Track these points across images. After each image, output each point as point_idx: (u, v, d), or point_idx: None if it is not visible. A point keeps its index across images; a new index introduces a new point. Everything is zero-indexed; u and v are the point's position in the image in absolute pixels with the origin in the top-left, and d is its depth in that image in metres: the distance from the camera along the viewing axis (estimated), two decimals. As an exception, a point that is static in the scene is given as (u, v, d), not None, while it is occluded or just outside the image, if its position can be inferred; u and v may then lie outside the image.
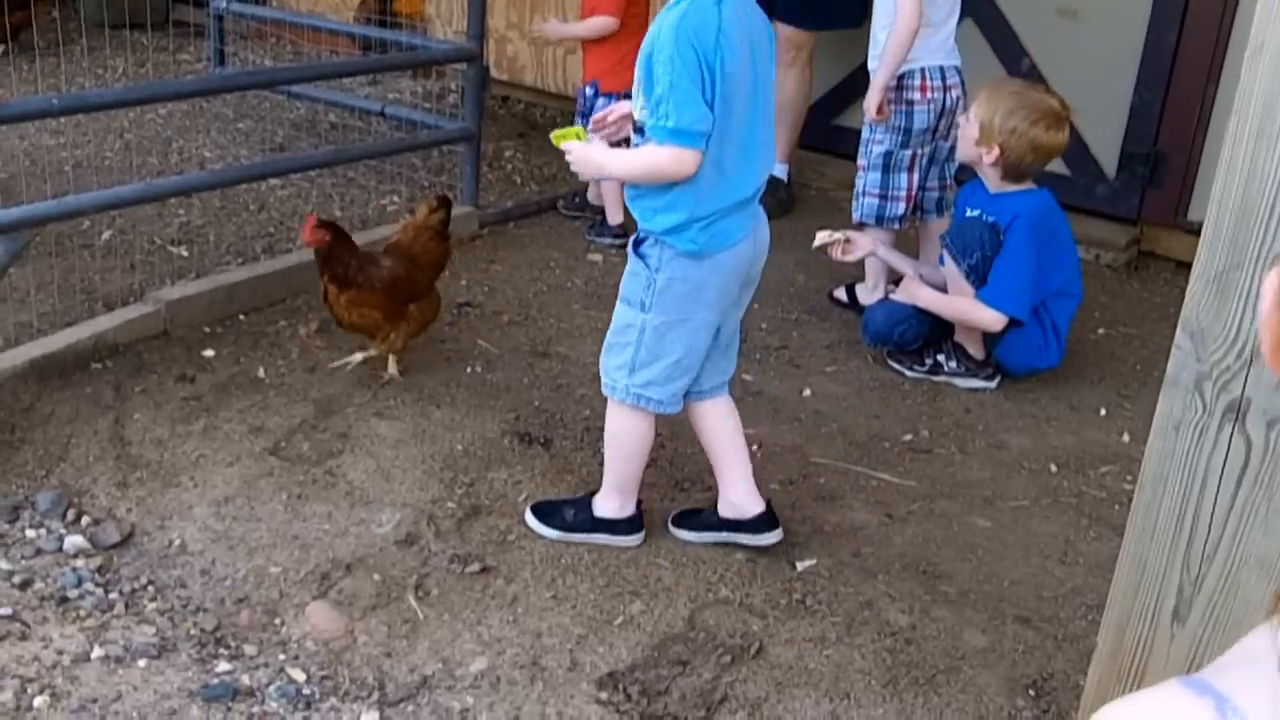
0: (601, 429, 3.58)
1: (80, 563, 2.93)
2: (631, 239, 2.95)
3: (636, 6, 5.04)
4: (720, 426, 3.12)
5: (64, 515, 3.09)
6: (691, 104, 2.66)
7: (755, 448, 3.58)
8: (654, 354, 2.93)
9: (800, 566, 3.08)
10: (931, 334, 4.07)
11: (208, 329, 3.97)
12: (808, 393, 3.96)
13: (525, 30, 6.64)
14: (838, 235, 4.18)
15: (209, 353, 3.79)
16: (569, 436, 3.59)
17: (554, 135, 2.99)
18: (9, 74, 6.57)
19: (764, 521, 3.10)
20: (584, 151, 2.93)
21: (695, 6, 2.68)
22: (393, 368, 3.80)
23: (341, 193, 5.27)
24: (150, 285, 4.12)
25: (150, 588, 2.89)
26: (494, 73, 6.76)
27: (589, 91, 4.97)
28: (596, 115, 3.12)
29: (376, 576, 2.95)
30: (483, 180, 5.17)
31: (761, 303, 4.56)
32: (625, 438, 3.09)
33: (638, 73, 2.79)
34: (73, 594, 2.83)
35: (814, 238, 4.27)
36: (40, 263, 4.13)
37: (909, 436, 3.74)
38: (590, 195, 5.25)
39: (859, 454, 3.62)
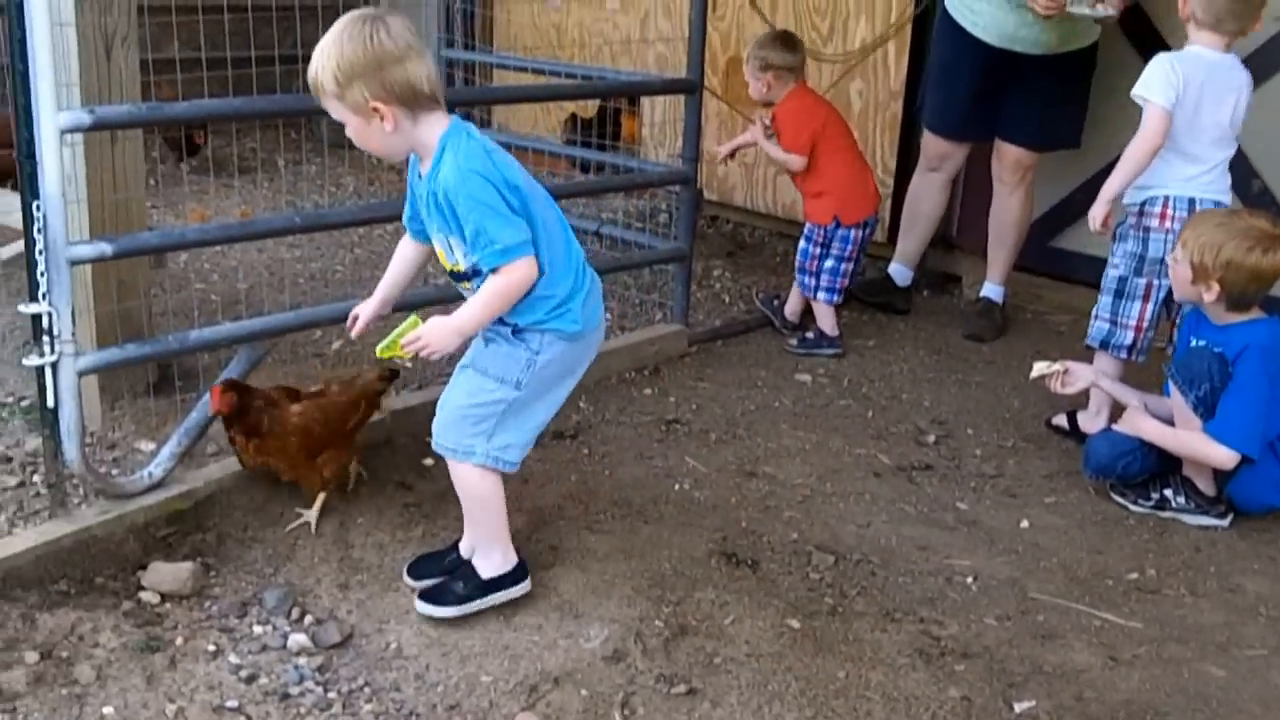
0: (810, 551, 3.59)
1: (302, 660, 3.02)
2: (510, 327, 3.04)
3: (833, 132, 5.12)
4: None
5: (289, 613, 3.21)
6: (504, 220, 2.84)
7: (970, 580, 3.51)
8: (517, 422, 3.10)
9: (1018, 708, 2.98)
10: (1158, 467, 3.93)
11: (428, 439, 4.07)
12: (1025, 524, 3.86)
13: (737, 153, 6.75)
14: (1056, 366, 4.11)
15: (428, 461, 3.89)
16: (776, 559, 3.57)
17: (385, 349, 2.99)
18: (251, 191, 6.97)
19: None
20: (435, 328, 2.95)
21: (455, 139, 2.87)
22: (314, 515, 3.57)
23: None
24: (375, 394, 4.28)
25: (367, 689, 2.96)
26: (705, 193, 6.88)
27: (830, 226, 5.11)
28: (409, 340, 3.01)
29: (584, 692, 2.96)
30: (691, 298, 5.24)
31: (976, 429, 4.51)
32: (487, 494, 3.19)
33: (443, 232, 2.94)
34: (294, 690, 2.92)
35: (1030, 364, 4.21)
36: (275, 370, 4.33)
37: (1134, 575, 3.60)
38: (789, 312, 5.29)
39: (1080, 591, 3.51)
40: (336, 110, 2.85)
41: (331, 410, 3.57)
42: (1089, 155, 5.52)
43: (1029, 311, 5.83)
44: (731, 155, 5.59)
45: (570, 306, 3.03)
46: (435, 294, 4.00)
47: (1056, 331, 5.62)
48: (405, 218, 3.16)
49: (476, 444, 3.11)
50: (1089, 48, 5.11)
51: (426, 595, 3.23)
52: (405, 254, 3.25)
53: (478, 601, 3.20)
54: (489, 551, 3.24)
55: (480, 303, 2.95)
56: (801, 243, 5.25)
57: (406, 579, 3.33)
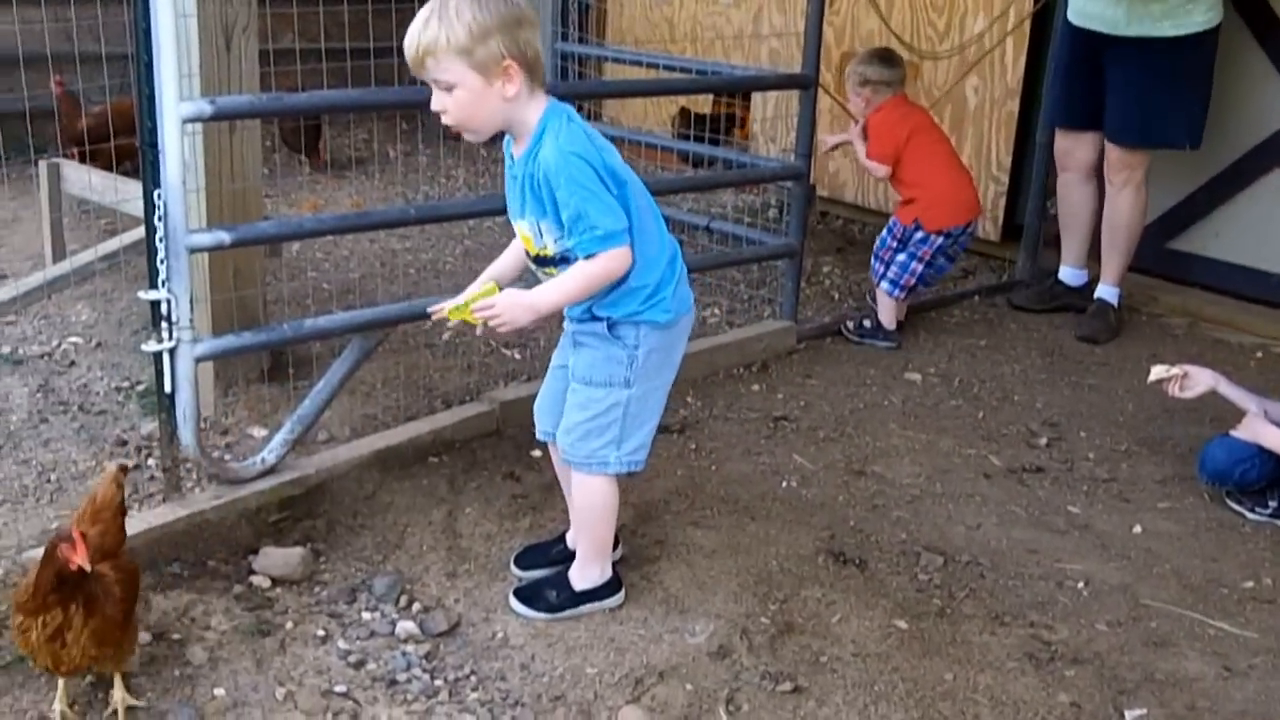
0: (918, 551, 3.54)
1: (410, 648, 3.04)
2: (604, 323, 2.99)
3: (922, 140, 5.09)
4: None
5: (397, 600, 3.24)
6: (606, 207, 2.80)
7: (1081, 584, 3.44)
8: (639, 421, 3.09)
9: (1129, 715, 2.92)
10: (1276, 474, 3.83)
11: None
12: (1138, 529, 3.78)
13: (847, 147, 6.69)
14: (1175, 370, 4.01)
15: (536, 453, 3.91)
16: (884, 559, 3.53)
17: (457, 310, 2.89)
18: (363, 182, 7.06)
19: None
20: (510, 299, 2.89)
21: (556, 122, 2.83)
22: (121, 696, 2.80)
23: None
24: (485, 385, 4.32)
25: (473, 677, 2.97)
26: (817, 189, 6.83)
27: (910, 226, 5.09)
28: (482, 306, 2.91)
29: (689, 686, 2.95)
30: (800, 295, 5.20)
31: (1089, 432, 4.42)
32: (604, 506, 3.18)
33: (534, 216, 2.89)
34: (401, 677, 2.94)
35: (1145, 368, 4.13)
36: (386, 360, 4.39)
37: (1250, 584, 3.51)
38: (885, 320, 5.22)
39: (1194, 599, 3.42)
40: (454, 70, 2.72)
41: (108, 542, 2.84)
42: (1207, 156, 5.40)
43: (1144, 314, 5.70)
44: (835, 148, 5.60)
45: (663, 295, 2.99)
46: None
47: (1172, 335, 5.49)
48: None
49: (609, 454, 3.09)
50: (1188, 38, 4.95)
51: (521, 593, 3.24)
52: (518, 247, 3.21)
53: (568, 611, 3.20)
54: (588, 564, 3.23)
55: (564, 284, 2.88)
56: (883, 231, 5.28)
57: (514, 569, 3.35)
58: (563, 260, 2.90)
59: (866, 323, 5.19)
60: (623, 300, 2.96)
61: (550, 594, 3.22)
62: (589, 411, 3.05)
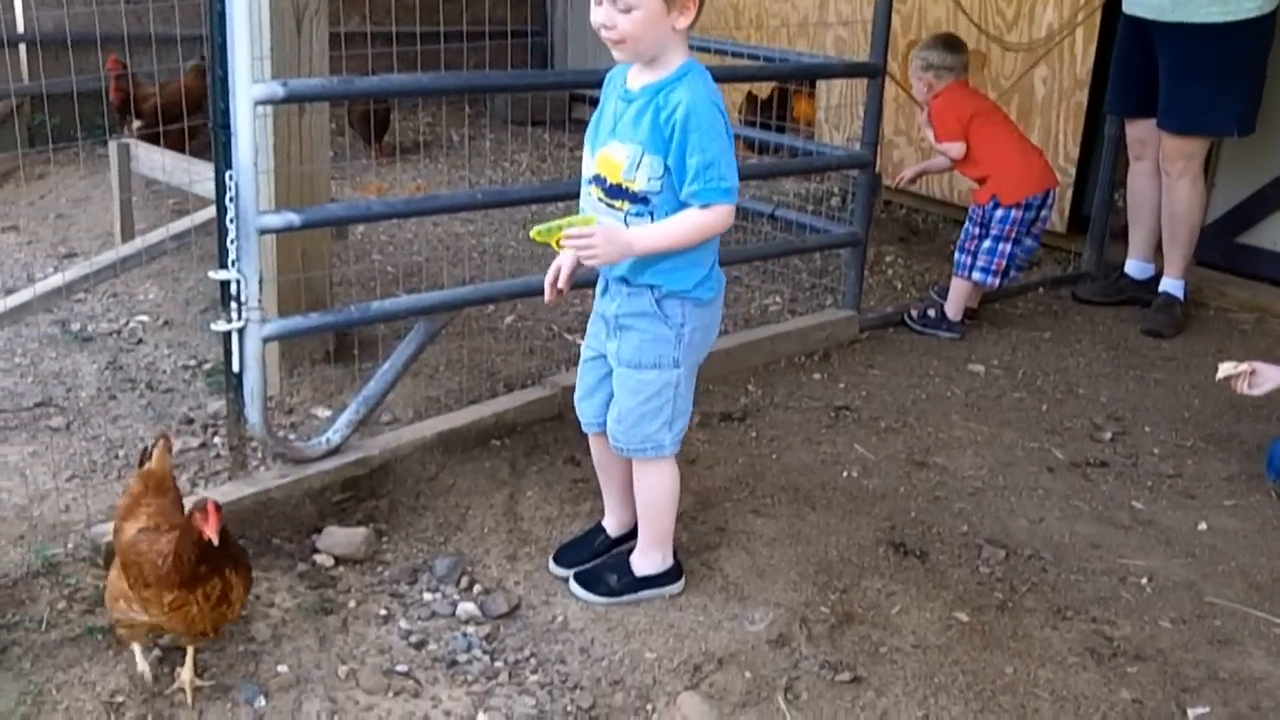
0: (980, 544, 3.52)
1: (470, 629, 3.07)
2: (653, 300, 2.96)
3: (987, 119, 5.06)
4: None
5: (458, 582, 3.26)
6: (733, 163, 2.83)
7: (1144, 580, 3.41)
8: (685, 400, 3.10)
9: (1192, 714, 2.89)
10: (1346, 474, 3.78)
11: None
12: (1203, 526, 3.73)
13: (912, 136, 6.66)
14: (1243, 367, 3.95)
15: (596, 438, 3.92)
16: (946, 550, 3.51)
17: (542, 233, 2.83)
18: (427, 166, 7.10)
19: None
20: (608, 233, 2.82)
21: (699, 73, 2.84)
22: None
23: (726, 291, 5.36)
24: (547, 370, 4.33)
25: (532, 660, 2.99)
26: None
27: (989, 205, 5.05)
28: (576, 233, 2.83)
29: (748, 674, 2.95)
30: (863, 284, 5.18)
31: (1154, 427, 4.37)
32: (667, 492, 3.18)
33: (641, 145, 2.82)
34: (462, 658, 2.97)
35: (1212, 363, 4.08)
36: (449, 343, 4.41)
37: (1317, 583, 3.47)
38: (950, 311, 5.18)
39: (1260, 597, 3.38)
40: None
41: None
42: (1276, 150, 5.31)
43: (1211, 308, 5.63)
44: (914, 180, 5.63)
45: (712, 275, 3.01)
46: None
47: (1240, 330, 5.42)
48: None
49: (664, 436, 3.09)
50: (1237, 24, 4.88)
51: (582, 577, 3.24)
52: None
53: (629, 596, 3.20)
54: (650, 550, 3.23)
55: (669, 228, 2.84)
56: (965, 223, 5.25)
57: (554, 568, 3.32)
58: (639, 200, 2.85)
59: (931, 312, 5.17)
60: (683, 272, 2.95)
61: (611, 578, 3.22)
62: (641, 395, 3.05)
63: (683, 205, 2.85)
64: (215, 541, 2.60)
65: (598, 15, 2.78)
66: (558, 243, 2.84)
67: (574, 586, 3.22)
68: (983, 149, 5.12)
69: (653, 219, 2.87)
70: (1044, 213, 5.10)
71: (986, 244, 5.09)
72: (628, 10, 2.72)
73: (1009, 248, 5.06)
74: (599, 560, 3.31)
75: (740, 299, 5.29)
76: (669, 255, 2.90)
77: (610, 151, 2.89)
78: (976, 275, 5.10)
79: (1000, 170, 5.08)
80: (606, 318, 3.07)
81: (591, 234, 2.80)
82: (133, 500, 2.86)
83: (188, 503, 2.83)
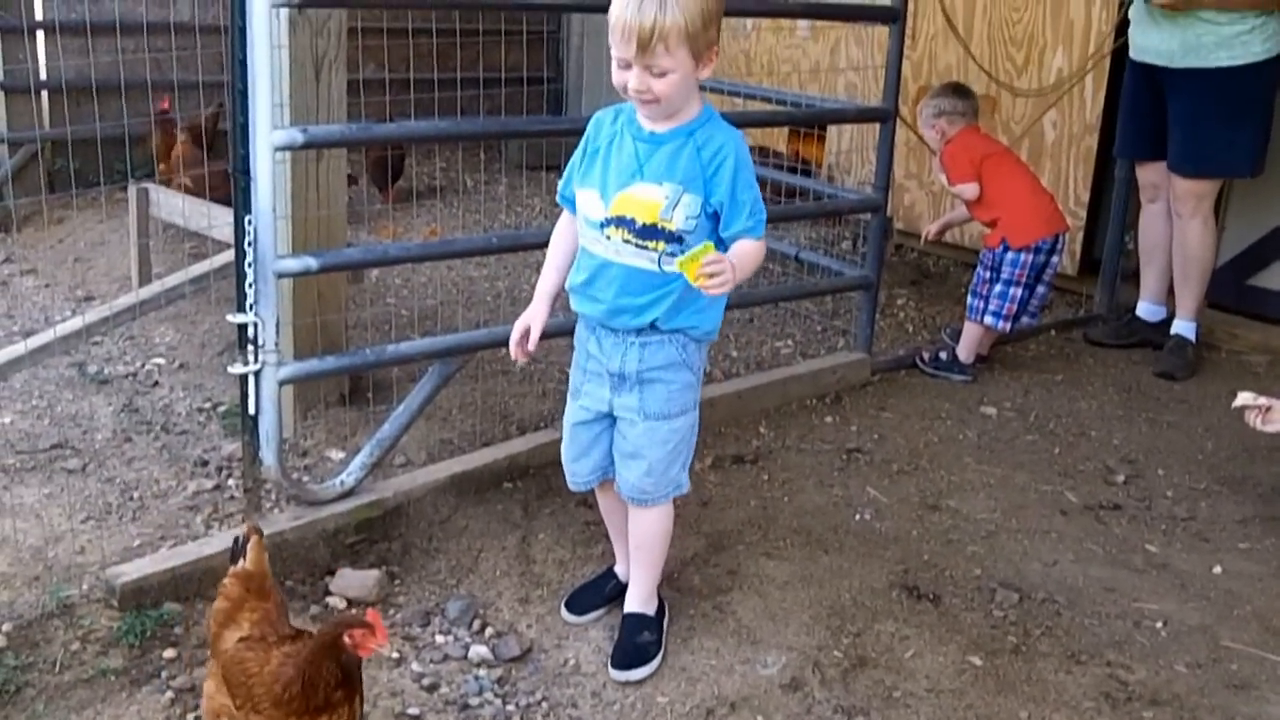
0: (994, 588, 3.52)
1: (483, 672, 3.07)
2: (682, 346, 2.97)
3: (999, 162, 5.09)
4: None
5: (470, 624, 3.27)
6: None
7: (1159, 624, 3.40)
8: (693, 438, 3.12)
9: (1208, 758, 2.88)
10: (1364, 518, 3.77)
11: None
12: (1218, 570, 3.72)
13: (923, 180, 6.69)
14: (1261, 400, 3.95)
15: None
16: (959, 594, 3.50)
17: (684, 261, 2.69)
18: (441, 210, 7.14)
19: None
20: (734, 266, 2.73)
21: (718, 116, 2.89)
22: None
23: (737, 334, 5.40)
24: (559, 412, 4.31)
25: (544, 704, 2.99)
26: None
27: (999, 249, 5.07)
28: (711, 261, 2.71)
29: (760, 718, 2.95)
30: (876, 327, 5.20)
31: (1167, 469, 4.37)
32: (668, 529, 3.19)
33: (681, 184, 2.81)
34: (474, 701, 2.97)
35: (1225, 404, 4.07)
36: (463, 385, 4.43)
37: (1333, 628, 3.45)
38: (962, 354, 5.18)
39: (1276, 642, 3.36)
40: (677, 52, 2.69)
41: None
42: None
43: (1224, 350, 5.63)
44: (939, 237, 5.66)
45: (718, 310, 3.02)
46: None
47: (1253, 372, 5.41)
48: (566, 186, 3.06)
49: (683, 476, 3.11)
50: (1246, 67, 4.92)
51: (619, 661, 3.10)
52: (568, 239, 3.11)
53: (665, 633, 3.20)
54: (653, 592, 3.22)
55: (747, 257, 2.82)
56: (977, 268, 5.26)
57: (566, 615, 3.30)
58: (677, 239, 2.81)
59: (943, 355, 5.18)
60: (711, 312, 2.97)
61: (643, 637, 3.15)
62: (670, 444, 3.03)
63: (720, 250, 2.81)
64: (387, 653, 2.42)
65: (628, 79, 2.74)
66: (695, 273, 2.70)
67: (619, 675, 3.08)
68: (994, 190, 5.14)
69: None
70: (1054, 258, 5.11)
71: (998, 288, 5.10)
72: (663, 75, 2.71)
73: (1020, 292, 5.07)
74: (621, 642, 3.15)
75: (752, 341, 5.30)
76: (701, 296, 2.85)
77: (638, 192, 2.84)
78: (989, 320, 5.10)
79: (1010, 213, 5.10)
80: (618, 374, 2.99)
81: (723, 264, 2.70)
82: (232, 606, 2.63)
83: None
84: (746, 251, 2.84)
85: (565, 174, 3.05)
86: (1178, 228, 5.29)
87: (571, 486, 3.25)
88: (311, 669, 2.42)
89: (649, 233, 2.84)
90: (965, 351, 5.15)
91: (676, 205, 2.82)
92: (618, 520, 3.30)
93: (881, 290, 5.38)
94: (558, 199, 3.12)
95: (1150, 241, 5.55)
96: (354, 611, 2.53)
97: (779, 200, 5.56)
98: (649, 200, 2.83)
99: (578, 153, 3.00)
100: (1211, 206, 5.23)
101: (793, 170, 6.26)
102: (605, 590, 3.35)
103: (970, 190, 5.15)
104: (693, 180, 2.82)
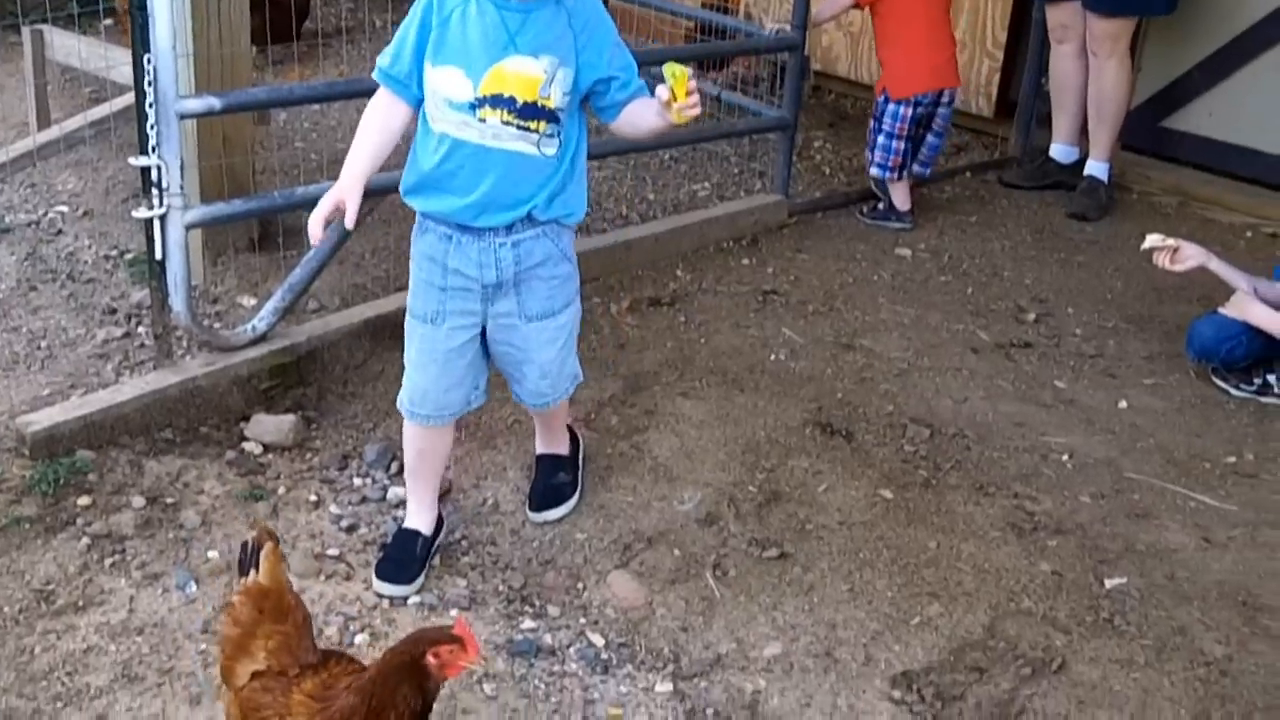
0: (905, 424, 3.58)
1: (400, 513, 3.08)
2: (557, 235, 2.77)
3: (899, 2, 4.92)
4: None
5: (388, 467, 3.27)
6: None
7: (1065, 457, 3.49)
8: (578, 324, 2.98)
9: (1109, 584, 2.98)
10: (1263, 352, 3.85)
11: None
12: (1123, 405, 3.82)
13: (841, 20, 6.61)
14: (1169, 241, 3.99)
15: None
16: (871, 430, 3.56)
17: (679, 74, 2.49)
18: (350, 52, 6.96)
19: None
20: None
21: None
22: None
23: (654, 176, 5.35)
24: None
25: (464, 542, 3.02)
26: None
27: (880, 99, 4.99)
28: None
29: (676, 552, 3.00)
30: (793, 170, 5.17)
31: (1077, 308, 4.44)
32: (566, 406, 3.13)
33: (558, 57, 2.61)
34: (393, 542, 2.99)
35: (1135, 246, 4.11)
36: (375, 230, 4.37)
37: (1232, 459, 3.55)
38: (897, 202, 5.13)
39: (1176, 473, 3.47)
40: None
41: None
42: (1203, 33, 5.33)
43: (1135, 192, 5.67)
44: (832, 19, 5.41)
45: (585, 191, 2.83)
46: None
47: (1163, 213, 5.48)
48: (396, 64, 2.69)
49: (576, 367, 2.99)
50: None
51: (538, 506, 3.09)
52: (389, 123, 2.79)
53: (581, 470, 3.21)
54: (563, 431, 3.18)
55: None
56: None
57: (383, 587, 2.84)
58: (551, 118, 2.63)
59: (880, 205, 5.13)
60: (580, 195, 2.79)
61: (558, 478, 3.15)
62: (559, 340, 2.87)
63: (579, 125, 2.70)
64: (481, 672, 2.01)
65: None
66: (685, 92, 2.50)
67: (538, 516, 3.09)
68: (887, 30, 4.95)
69: (559, 142, 2.67)
70: (941, 110, 4.98)
71: (880, 139, 4.99)
72: None
73: (901, 144, 4.95)
74: (537, 484, 3.15)
75: (669, 184, 5.27)
76: (573, 179, 2.72)
77: (513, 66, 2.59)
78: (874, 170, 5.04)
79: (895, 60, 4.95)
80: (493, 283, 2.75)
81: (695, 90, 2.52)
82: (243, 633, 2.10)
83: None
84: (656, 118, 2.66)
85: (393, 49, 2.70)
86: (1093, 68, 5.28)
87: (433, 423, 2.88)
88: (382, 695, 1.93)
89: (530, 111, 2.61)
90: (899, 199, 5.06)
91: (553, 81, 2.61)
92: (434, 464, 2.97)
93: (799, 133, 5.36)
94: (377, 76, 2.74)
95: (1062, 83, 5.54)
96: (438, 626, 2.08)
97: (698, 39, 5.46)
98: (527, 75, 2.59)
99: (413, 25, 2.66)
100: (1128, 47, 5.22)
101: (712, 8, 6.15)
102: (415, 553, 2.91)
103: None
104: (566, 53, 2.61)
